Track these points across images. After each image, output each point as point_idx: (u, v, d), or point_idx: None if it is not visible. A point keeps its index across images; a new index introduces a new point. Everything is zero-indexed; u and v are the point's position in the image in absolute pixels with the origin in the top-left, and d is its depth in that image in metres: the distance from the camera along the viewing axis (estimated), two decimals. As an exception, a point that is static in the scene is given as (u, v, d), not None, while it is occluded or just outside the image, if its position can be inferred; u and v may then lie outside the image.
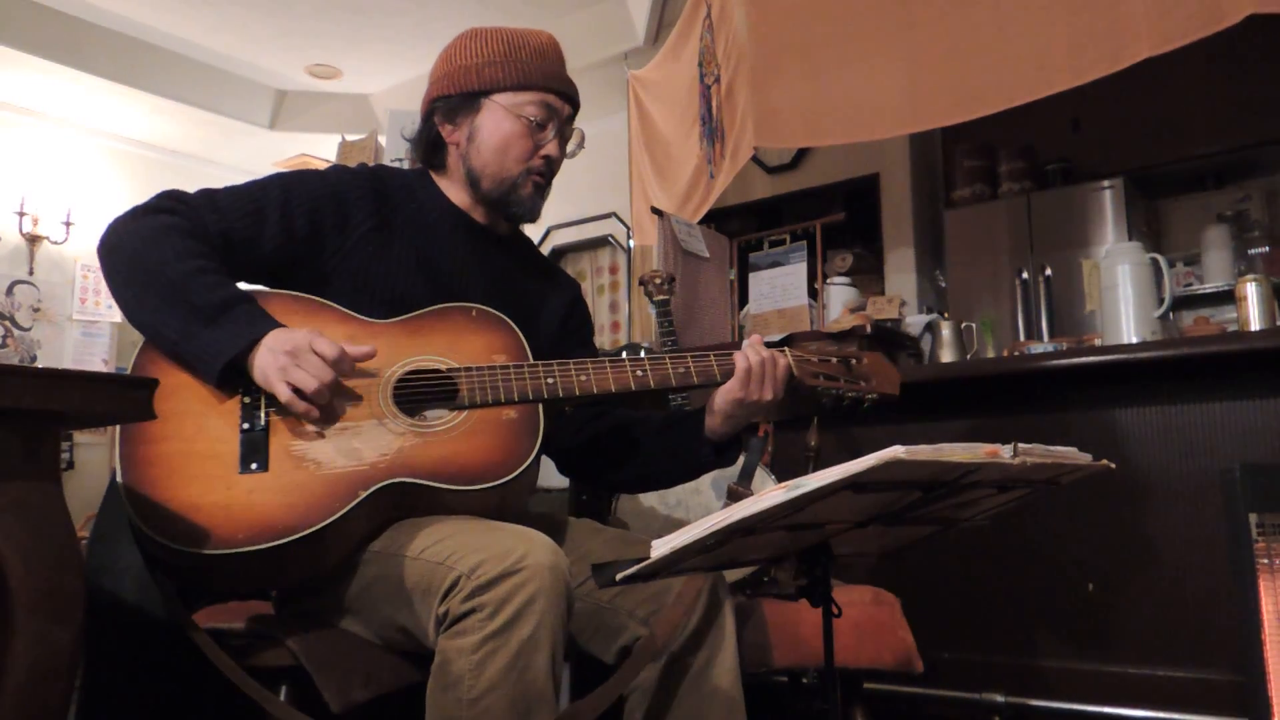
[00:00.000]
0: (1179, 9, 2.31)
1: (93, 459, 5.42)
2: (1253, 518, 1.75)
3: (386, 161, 3.31)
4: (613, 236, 5.73)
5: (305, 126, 6.12)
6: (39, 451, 0.96)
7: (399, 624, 1.26)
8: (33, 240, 5.61)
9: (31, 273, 5.63)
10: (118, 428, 1.23)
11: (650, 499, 2.06)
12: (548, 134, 1.49)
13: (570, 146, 1.54)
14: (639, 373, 1.38)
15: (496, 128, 1.47)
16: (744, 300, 3.54)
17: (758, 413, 1.43)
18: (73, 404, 0.96)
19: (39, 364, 5.51)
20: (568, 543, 1.42)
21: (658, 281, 2.47)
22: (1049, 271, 4.34)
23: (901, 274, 4.75)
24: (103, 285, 5.77)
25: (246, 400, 1.27)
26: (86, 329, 5.84)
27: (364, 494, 1.23)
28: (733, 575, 1.83)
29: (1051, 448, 0.98)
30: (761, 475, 2.05)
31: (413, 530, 1.26)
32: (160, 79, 5.51)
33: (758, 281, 3.28)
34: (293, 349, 1.24)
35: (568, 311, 1.63)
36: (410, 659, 1.29)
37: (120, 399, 1.02)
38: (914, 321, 3.06)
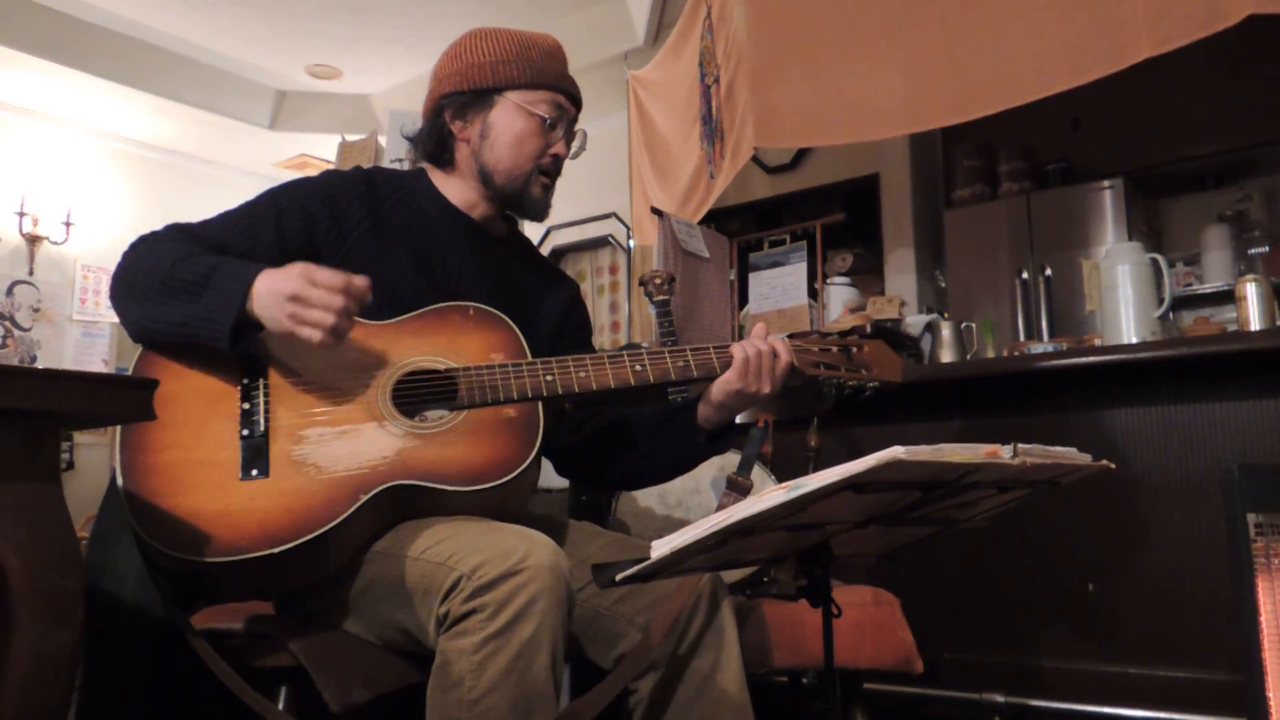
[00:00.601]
0: (1179, 9, 2.31)
1: (93, 459, 5.43)
2: (1251, 518, 1.75)
3: (386, 162, 3.31)
4: (613, 236, 5.73)
5: (305, 127, 6.12)
6: (39, 451, 0.96)
7: (399, 624, 1.26)
8: (33, 240, 5.61)
9: (31, 273, 5.63)
10: (117, 435, 1.23)
11: (650, 499, 2.06)
12: (558, 133, 1.51)
13: (574, 147, 1.56)
14: (638, 368, 1.38)
15: (511, 124, 1.48)
16: (744, 300, 3.54)
17: (755, 404, 1.43)
18: (73, 404, 0.96)
19: (39, 364, 5.51)
20: (567, 546, 1.42)
21: (658, 282, 2.47)
22: (1049, 271, 4.34)
23: (901, 274, 4.75)
24: (103, 286, 5.78)
25: (245, 406, 1.27)
26: (86, 329, 5.84)
27: (365, 497, 1.23)
28: (732, 575, 1.83)
29: (1051, 448, 0.98)
30: (761, 476, 2.05)
31: (413, 531, 1.26)
32: (160, 79, 5.51)
33: (758, 281, 3.29)
34: (293, 292, 1.21)
35: (566, 311, 1.63)
36: (411, 659, 1.28)
37: (120, 399, 1.02)
38: (914, 321, 3.06)
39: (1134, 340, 2.49)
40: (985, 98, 2.71)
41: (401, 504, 1.28)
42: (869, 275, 4.82)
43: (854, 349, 1.47)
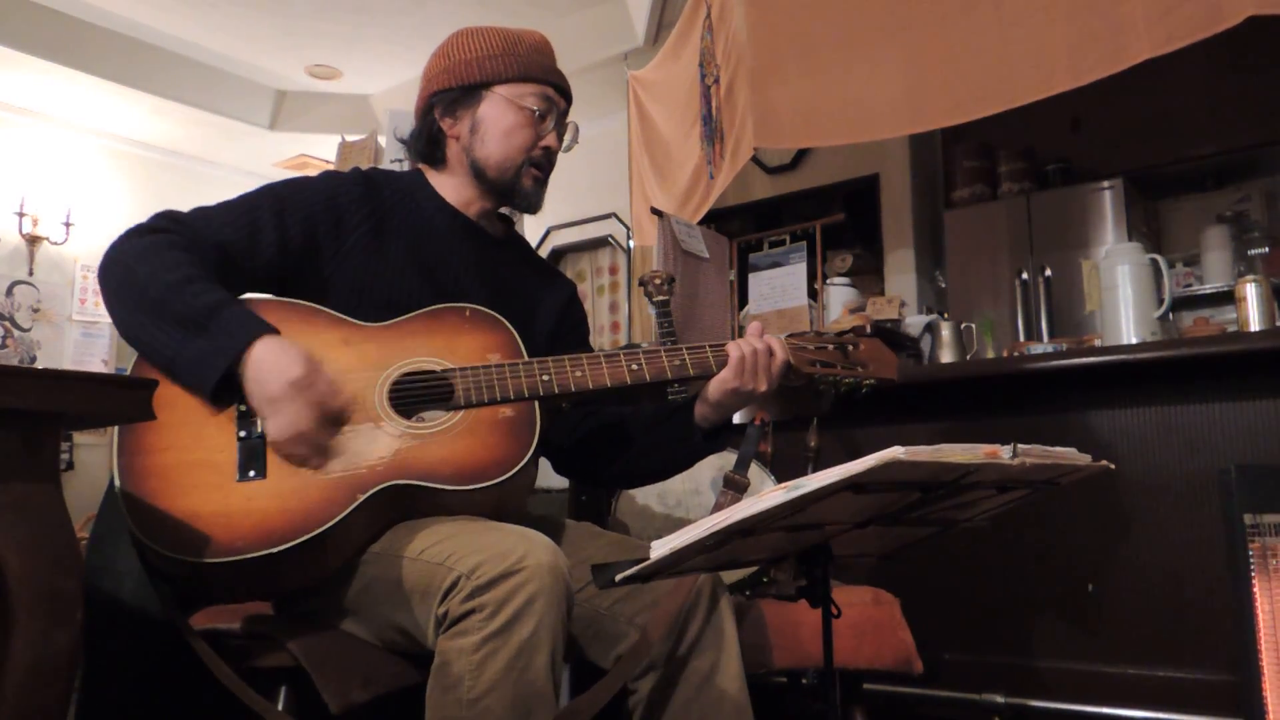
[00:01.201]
0: (1179, 10, 2.31)
1: (93, 459, 5.42)
2: (1248, 518, 1.75)
3: (386, 162, 3.31)
4: (612, 237, 5.73)
5: (305, 127, 6.12)
6: (39, 451, 0.96)
7: (398, 625, 1.25)
8: (32, 241, 5.61)
9: (31, 273, 5.63)
10: (116, 436, 1.23)
11: (649, 499, 2.06)
12: (548, 125, 1.52)
13: (566, 139, 1.56)
14: (634, 367, 1.38)
15: (500, 117, 1.49)
16: (744, 301, 3.54)
17: (752, 402, 1.43)
18: (73, 404, 0.96)
19: (39, 364, 5.51)
20: (566, 546, 1.42)
21: (658, 282, 2.47)
22: (1049, 272, 4.34)
23: (901, 274, 4.75)
24: (103, 285, 5.76)
25: (243, 408, 1.26)
26: (86, 329, 5.84)
27: (362, 497, 1.23)
28: (732, 576, 1.83)
29: (1051, 448, 0.99)
30: (761, 475, 2.05)
31: (412, 531, 1.26)
32: (160, 79, 5.51)
33: (757, 282, 3.29)
34: (277, 394, 1.22)
35: (564, 311, 1.63)
36: (410, 660, 1.28)
37: (120, 399, 1.02)
38: (914, 322, 3.06)
39: (1134, 341, 2.49)
40: (985, 98, 2.71)
41: (399, 504, 1.28)
42: (869, 276, 4.82)
43: (850, 347, 1.47)
